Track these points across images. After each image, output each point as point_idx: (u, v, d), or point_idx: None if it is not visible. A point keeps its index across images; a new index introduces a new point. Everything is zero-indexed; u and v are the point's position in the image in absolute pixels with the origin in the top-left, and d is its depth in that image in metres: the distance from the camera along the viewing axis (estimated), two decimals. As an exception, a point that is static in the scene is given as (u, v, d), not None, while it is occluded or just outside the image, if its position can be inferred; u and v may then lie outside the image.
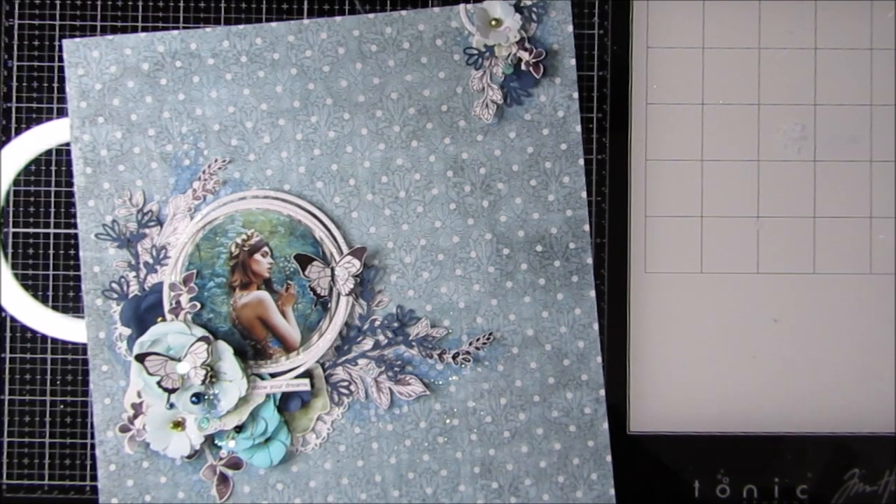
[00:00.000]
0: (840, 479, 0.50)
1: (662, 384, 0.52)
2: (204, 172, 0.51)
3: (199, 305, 0.50)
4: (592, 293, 0.50)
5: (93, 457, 0.52)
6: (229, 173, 0.51)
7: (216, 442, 0.50)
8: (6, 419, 0.52)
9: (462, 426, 0.51)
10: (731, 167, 0.50)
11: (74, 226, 0.52)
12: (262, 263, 0.50)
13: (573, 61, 0.50)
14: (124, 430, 0.50)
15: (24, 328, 0.52)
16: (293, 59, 0.51)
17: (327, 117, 0.51)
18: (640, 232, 0.51)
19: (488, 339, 0.51)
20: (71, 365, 0.52)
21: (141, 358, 0.47)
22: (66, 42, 0.51)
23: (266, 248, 0.50)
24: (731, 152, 0.50)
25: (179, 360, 0.48)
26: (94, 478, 0.52)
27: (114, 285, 0.51)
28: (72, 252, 0.52)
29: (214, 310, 0.50)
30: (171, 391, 0.48)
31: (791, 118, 0.50)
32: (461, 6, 0.51)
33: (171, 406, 0.48)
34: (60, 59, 0.52)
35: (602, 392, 0.51)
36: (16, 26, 0.52)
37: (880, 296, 0.50)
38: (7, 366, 0.53)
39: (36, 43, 0.52)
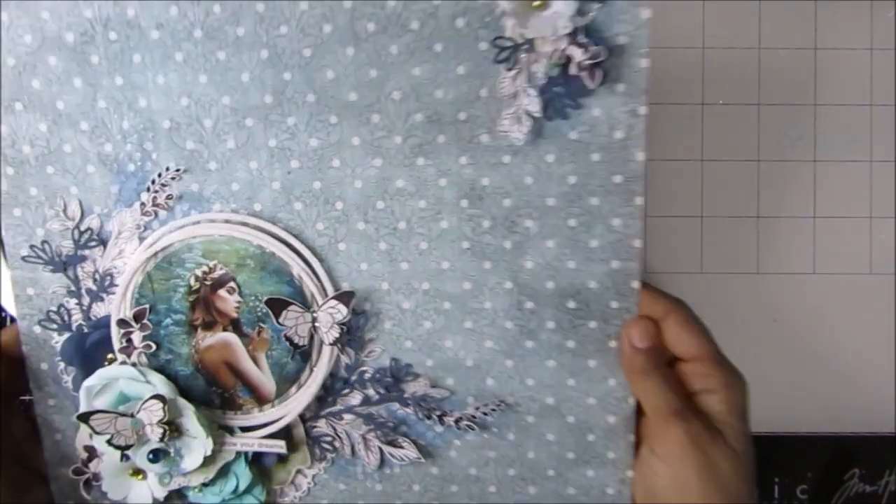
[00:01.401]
0: (840, 479, 0.49)
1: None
2: (154, 183, 0.40)
3: (154, 346, 0.41)
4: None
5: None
6: (185, 185, 0.40)
7: (182, 491, 0.44)
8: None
9: (462, 493, 0.43)
10: (731, 167, 0.49)
11: None
12: (228, 301, 0.41)
13: (646, 63, 0.36)
14: (78, 472, 0.44)
15: None
16: (263, 36, 0.38)
17: (308, 119, 0.39)
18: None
19: (498, 405, 0.42)
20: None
21: (84, 418, 0.40)
22: (-36, -3, 0.38)
23: (232, 284, 0.41)
24: (731, 152, 0.50)
25: (132, 414, 0.41)
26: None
27: (52, 314, 0.42)
28: None
29: (173, 351, 0.42)
30: (123, 448, 0.41)
31: (791, 118, 0.49)
32: (494, -29, 0.36)
33: (127, 458, 0.42)
34: None
35: (630, 473, 0.42)
36: None
37: (880, 296, 0.50)
38: None
39: None
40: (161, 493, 0.43)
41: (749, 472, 0.38)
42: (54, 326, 0.42)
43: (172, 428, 0.41)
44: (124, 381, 0.41)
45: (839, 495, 0.50)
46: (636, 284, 0.39)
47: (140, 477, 0.43)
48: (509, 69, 0.36)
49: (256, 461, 0.43)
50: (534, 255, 0.39)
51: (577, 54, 0.35)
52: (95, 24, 0.38)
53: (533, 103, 0.37)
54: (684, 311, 0.39)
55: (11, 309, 0.47)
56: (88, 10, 0.37)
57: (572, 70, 0.36)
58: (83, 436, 0.43)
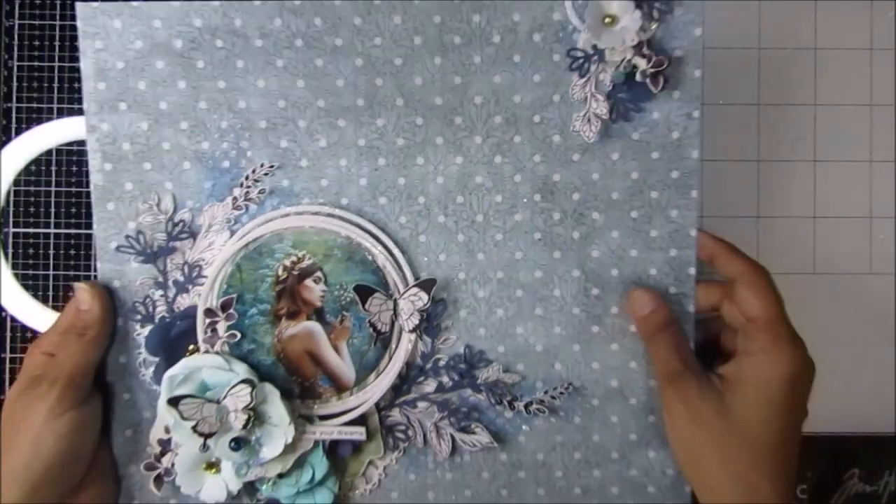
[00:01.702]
0: (840, 479, 0.49)
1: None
2: (247, 178, 0.43)
3: (238, 335, 0.43)
4: (691, 345, 0.44)
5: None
6: (277, 181, 0.43)
7: (255, 485, 0.44)
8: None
9: (529, 479, 0.45)
10: (732, 167, 0.49)
11: (75, 226, 0.50)
12: (313, 290, 0.43)
13: (699, 72, 0.42)
14: (150, 468, 0.44)
15: (24, 328, 0.50)
16: (359, 46, 0.42)
17: (396, 121, 0.42)
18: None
19: (567, 388, 0.44)
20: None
21: (174, 402, 0.40)
22: (79, 6, 0.41)
23: (319, 274, 0.43)
24: (731, 152, 0.49)
25: (217, 401, 0.41)
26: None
27: (138, 306, 0.43)
28: (72, 252, 0.50)
29: (256, 340, 0.43)
30: (207, 436, 0.42)
31: (791, 118, 0.48)
32: (567, -6, 0.41)
33: (207, 448, 0.42)
34: (61, 59, 0.48)
35: (689, 453, 0.45)
36: (16, 26, 0.48)
37: (880, 296, 0.49)
38: (7, 366, 0.50)
39: (36, 43, 0.49)
40: (235, 487, 0.43)
41: (758, 446, 0.36)
42: (138, 317, 0.43)
43: (254, 416, 0.42)
44: (207, 370, 0.42)
45: (839, 495, 0.49)
46: (692, 271, 0.43)
47: (214, 471, 0.43)
48: (581, 77, 0.41)
49: (331, 453, 0.44)
50: (600, 244, 0.43)
51: (642, 63, 0.40)
52: (204, 32, 0.41)
53: (601, 107, 0.41)
54: (757, 276, 0.40)
55: (11, 308, 0.50)
56: (198, 19, 0.41)
57: (637, 77, 0.41)
58: (158, 430, 0.43)
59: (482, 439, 0.44)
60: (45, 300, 0.50)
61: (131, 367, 0.43)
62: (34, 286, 0.50)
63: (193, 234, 0.42)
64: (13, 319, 0.50)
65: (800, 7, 0.49)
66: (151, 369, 0.43)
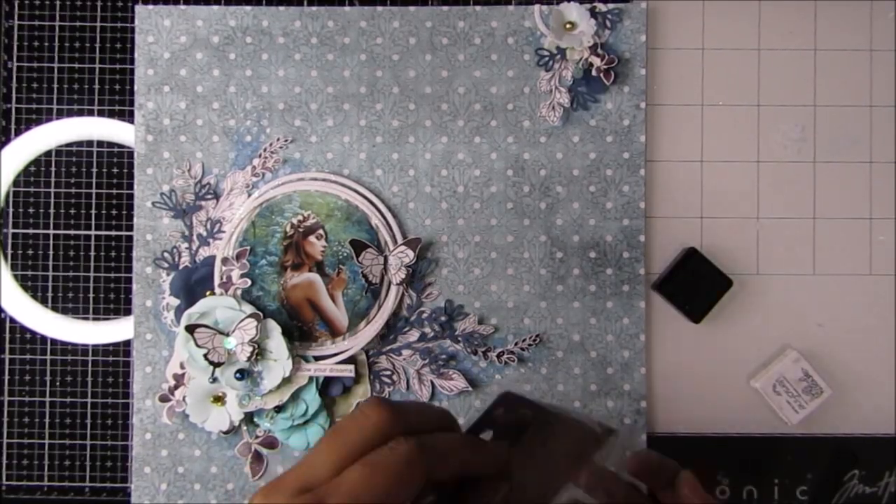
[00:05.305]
0: (840, 481, 0.48)
1: (662, 385, 0.49)
2: (265, 150, 0.49)
3: (249, 282, 0.48)
4: (642, 304, 0.49)
5: (92, 458, 0.49)
6: (290, 153, 0.50)
7: (254, 420, 0.48)
8: (5, 420, 0.49)
9: (500, 425, 0.49)
10: (731, 168, 0.48)
11: (74, 227, 0.49)
12: (315, 246, 0.49)
13: (644, 71, 0.49)
14: (164, 399, 0.48)
15: (24, 329, 0.49)
16: (363, 44, 0.49)
17: (392, 106, 0.49)
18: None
19: (534, 340, 0.49)
20: (70, 366, 0.49)
21: (191, 329, 0.45)
22: (138, 8, 0.49)
23: (321, 231, 0.49)
24: (731, 153, 0.48)
25: (227, 334, 0.47)
26: (93, 479, 0.49)
27: (165, 255, 0.49)
28: (71, 253, 0.49)
29: (264, 288, 0.48)
30: (216, 365, 0.46)
31: (791, 119, 0.48)
32: (535, 6, 0.49)
33: (215, 380, 0.47)
34: (60, 60, 0.49)
35: (644, 403, 0.49)
36: (16, 26, 0.48)
37: (880, 296, 0.48)
38: (6, 366, 0.49)
39: (36, 43, 0.48)
40: (238, 417, 0.47)
41: None
42: (165, 265, 0.48)
43: (258, 350, 0.46)
44: (221, 309, 0.47)
45: (839, 496, 0.48)
46: (642, 238, 0.48)
47: (220, 404, 0.47)
48: (546, 72, 0.48)
49: (323, 392, 0.48)
50: (563, 214, 0.49)
51: (597, 61, 0.47)
52: (237, 31, 0.49)
53: (563, 97, 0.48)
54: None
55: (11, 309, 0.49)
56: (233, 19, 0.49)
57: (593, 73, 0.48)
58: (174, 365, 0.48)
59: (459, 384, 0.48)
60: (44, 301, 0.49)
61: (156, 310, 0.49)
62: (34, 287, 0.49)
63: (217, 196, 0.49)
64: (13, 320, 0.49)
65: (800, 7, 0.48)
66: (172, 312, 0.48)
